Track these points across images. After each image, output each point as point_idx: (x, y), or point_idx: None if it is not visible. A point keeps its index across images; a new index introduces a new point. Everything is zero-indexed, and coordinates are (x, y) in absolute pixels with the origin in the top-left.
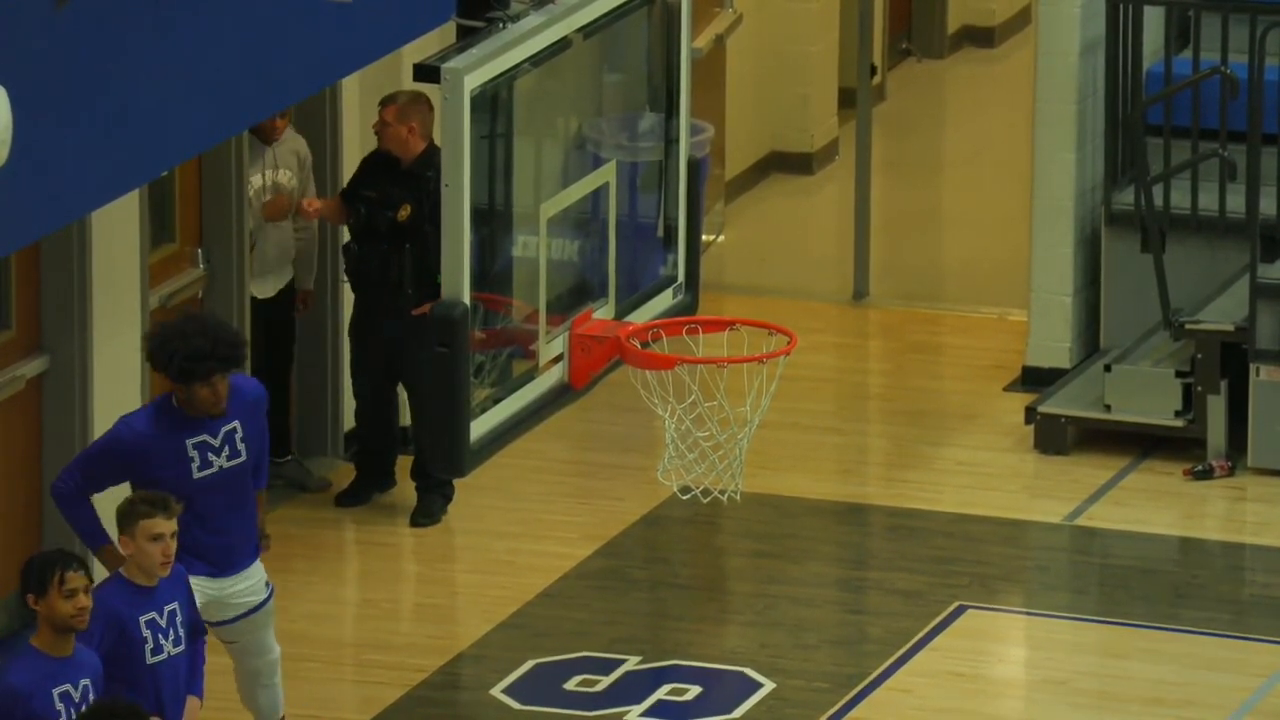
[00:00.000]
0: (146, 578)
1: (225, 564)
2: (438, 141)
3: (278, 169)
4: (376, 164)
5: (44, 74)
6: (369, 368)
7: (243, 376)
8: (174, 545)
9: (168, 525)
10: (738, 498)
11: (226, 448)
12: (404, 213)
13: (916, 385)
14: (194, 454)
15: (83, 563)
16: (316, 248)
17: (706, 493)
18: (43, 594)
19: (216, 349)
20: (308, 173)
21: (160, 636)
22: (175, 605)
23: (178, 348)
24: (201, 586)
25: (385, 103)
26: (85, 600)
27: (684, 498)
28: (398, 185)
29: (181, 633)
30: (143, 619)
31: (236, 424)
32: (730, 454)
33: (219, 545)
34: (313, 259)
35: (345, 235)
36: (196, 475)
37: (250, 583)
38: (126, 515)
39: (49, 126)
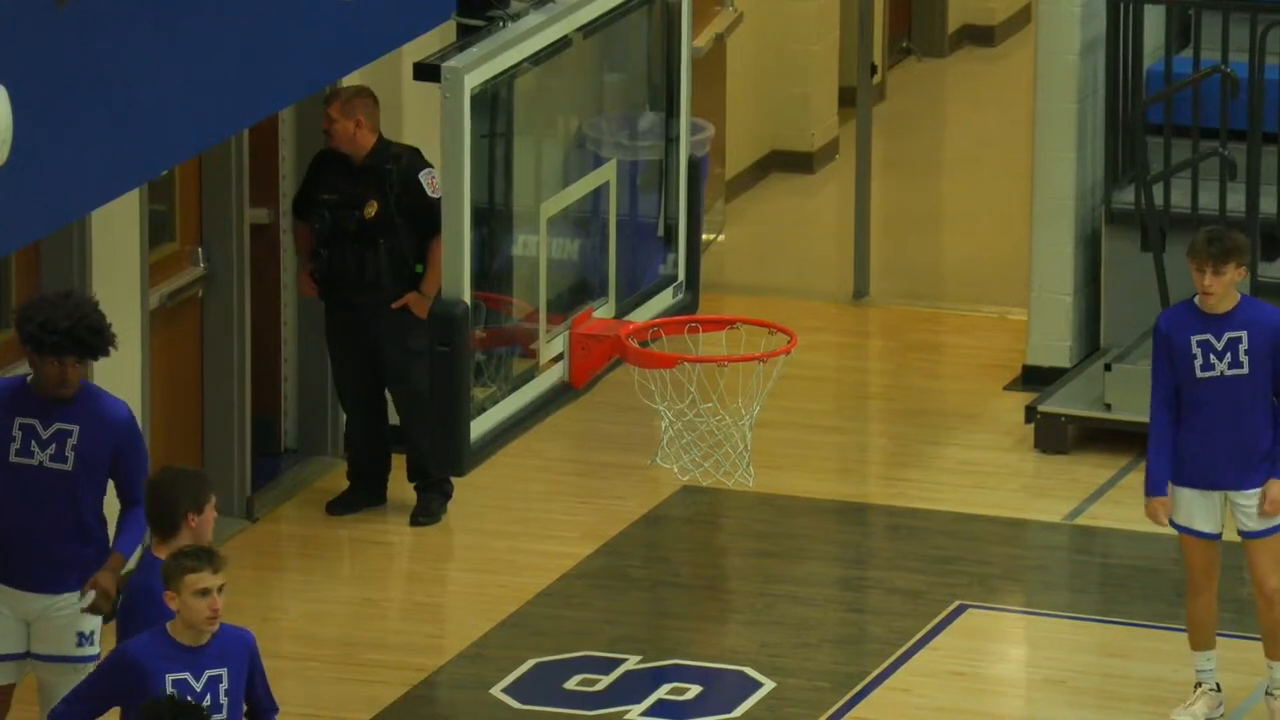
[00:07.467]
0: (192, 635)
1: (18, 576)
2: (413, 139)
3: None
4: (327, 167)
5: (44, 74)
6: (354, 378)
7: (116, 398)
8: (220, 601)
9: (214, 580)
10: (749, 484)
11: (53, 445)
12: (371, 209)
13: (916, 384)
14: (16, 434)
15: None
16: None
17: (705, 473)
18: None
19: (75, 329)
20: None
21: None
22: (222, 672)
23: (40, 314)
24: (4, 598)
25: (329, 100)
26: None
27: (683, 478)
28: (357, 183)
29: (224, 702)
30: (170, 676)
31: (76, 429)
32: (736, 445)
33: (17, 554)
34: None
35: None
36: (12, 458)
37: (52, 621)
38: (171, 570)
39: (49, 126)
